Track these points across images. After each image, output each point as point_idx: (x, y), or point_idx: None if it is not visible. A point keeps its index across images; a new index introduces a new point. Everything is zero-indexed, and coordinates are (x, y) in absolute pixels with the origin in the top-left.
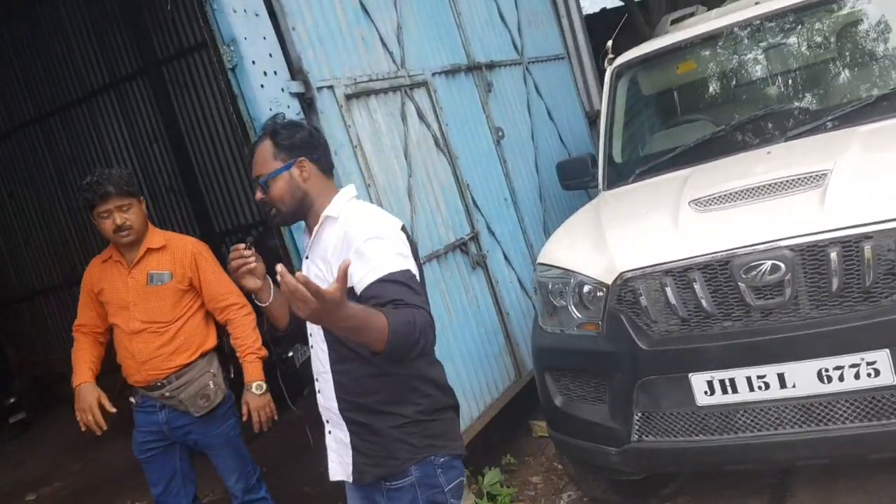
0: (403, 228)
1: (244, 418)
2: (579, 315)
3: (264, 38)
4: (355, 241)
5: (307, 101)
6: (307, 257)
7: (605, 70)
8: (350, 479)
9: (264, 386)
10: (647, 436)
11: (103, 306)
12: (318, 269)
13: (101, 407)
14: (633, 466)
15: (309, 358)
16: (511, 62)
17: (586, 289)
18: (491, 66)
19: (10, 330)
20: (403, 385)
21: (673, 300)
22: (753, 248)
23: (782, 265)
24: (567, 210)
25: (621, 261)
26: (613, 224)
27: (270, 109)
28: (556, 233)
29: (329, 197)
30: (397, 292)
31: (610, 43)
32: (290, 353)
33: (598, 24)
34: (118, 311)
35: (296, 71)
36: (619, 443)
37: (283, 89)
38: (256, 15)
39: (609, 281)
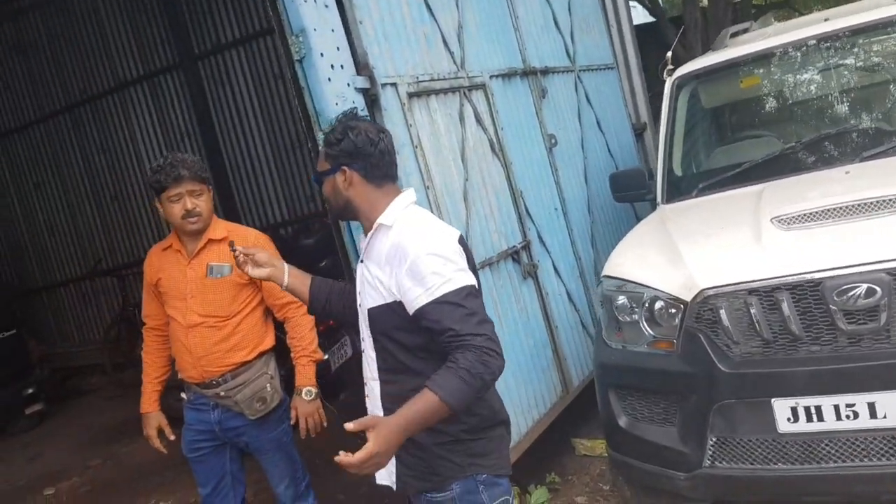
0: (461, 239)
1: (293, 422)
2: (650, 332)
3: (332, 30)
4: (409, 255)
5: (372, 98)
6: (362, 261)
7: (663, 81)
8: (394, 487)
9: (314, 391)
10: (720, 462)
11: (161, 296)
12: (371, 274)
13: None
14: (703, 493)
15: (348, 361)
16: (564, 69)
17: (659, 305)
18: (545, 71)
19: (29, 321)
20: None
21: (757, 321)
22: (848, 270)
23: (878, 289)
24: (614, 223)
25: (701, 277)
26: (688, 239)
27: (336, 104)
28: (620, 246)
29: (382, 204)
30: (451, 318)
31: (669, 54)
32: (326, 356)
33: None
34: (175, 303)
35: (361, 66)
36: (688, 468)
37: (348, 84)
38: (326, 6)
39: (687, 298)
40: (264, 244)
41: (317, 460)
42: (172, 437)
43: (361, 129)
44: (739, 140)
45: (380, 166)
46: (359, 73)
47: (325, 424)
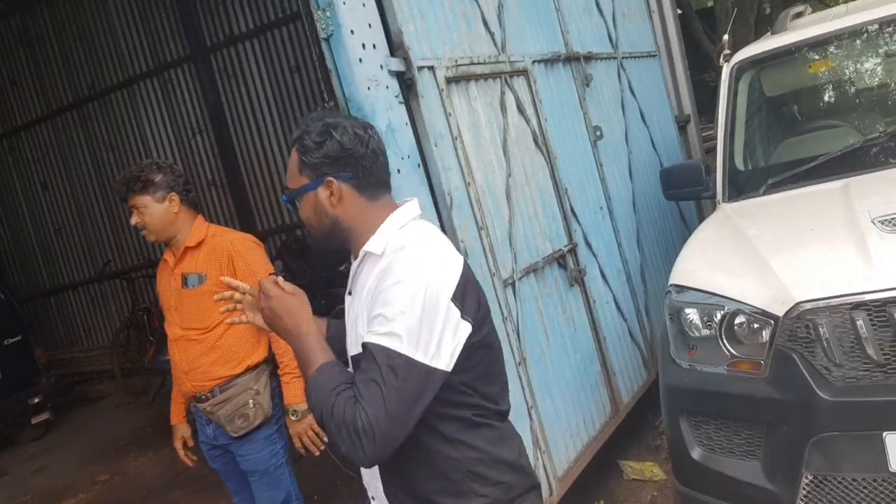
0: (464, 270)
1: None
2: (731, 351)
3: (363, 4)
4: (389, 278)
5: (407, 82)
6: (350, 293)
7: (719, 67)
8: None
9: (300, 410)
10: (817, 503)
11: None
12: (354, 313)
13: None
14: None
15: None
16: (606, 55)
17: (741, 320)
18: (588, 57)
19: (35, 325)
20: (461, 472)
21: (865, 340)
22: None
23: None
24: (659, 223)
25: (797, 289)
26: (773, 244)
27: (368, 89)
28: (687, 250)
29: (378, 223)
30: (376, 380)
31: (726, 37)
32: None
33: None
34: (166, 315)
35: (396, 46)
36: None
37: (382, 66)
38: None
39: (779, 312)
40: (241, 250)
41: (338, 482)
42: (191, 444)
43: (346, 126)
44: (809, 131)
45: (373, 171)
46: (393, 53)
47: (325, 440)
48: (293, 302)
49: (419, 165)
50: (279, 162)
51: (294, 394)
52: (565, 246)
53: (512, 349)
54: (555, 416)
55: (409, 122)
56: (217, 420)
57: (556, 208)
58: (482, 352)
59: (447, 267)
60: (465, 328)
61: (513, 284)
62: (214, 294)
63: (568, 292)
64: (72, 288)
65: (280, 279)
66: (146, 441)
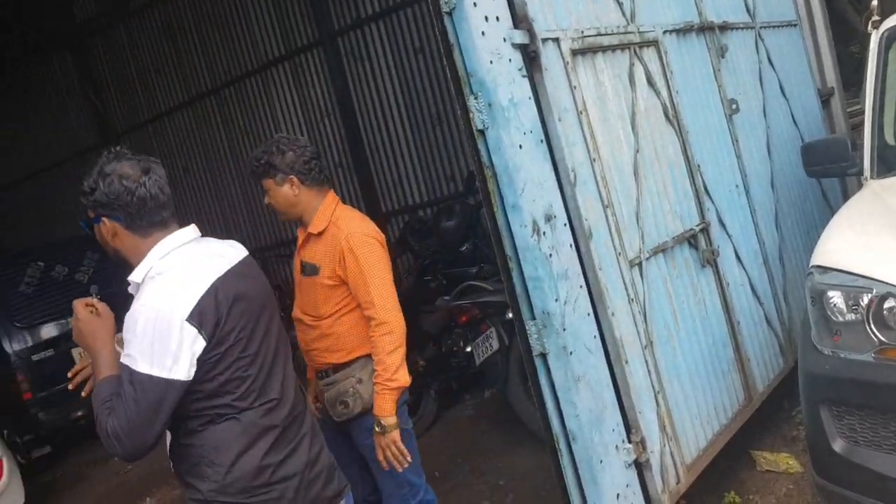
0: (210, 293)
1: None
2: (879, 337)
3: None
4: (134, 305)
5: (531, 55)
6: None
7: (866, 36)
8: None
9: (384, 423)
10: None
11: None
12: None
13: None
14: None
15: (493, 354)
16: (743, 25)
17: (890, 303)
18: (723, 27)
19: None
20: (199, 459)
21: None
22: None
23: None
24: (799, 202)
25: None
26: None
27: (491, 63)
28: (831, 229)
29: (146, 254)
30: (121, 394)
31: (875, 2)
32: (469, 349)
33: None
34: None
35: (519, 18)
36: None
37: (504, 39)
38: None
39: None
40: (356, 247)
41: (459, 459)
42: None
43: (115, 176)
44: None
45: (141, 215)
46: (516, 26)
47: (408, 460)
48: (97, 324)
49: (542, 141)
50: (403, 143)
51: (380, 405)
52: (697, 225)
53: (638, 331)
54: (683, 402)
55: (531, 96)
56: (324, 401)
57: (688, 185)
58: (229, 361)
59: (186, 291)
60: (201, 343)
61: (640, 265)
62: (326, 287)
63: (699, 274)
64: None
65: (94, 300)
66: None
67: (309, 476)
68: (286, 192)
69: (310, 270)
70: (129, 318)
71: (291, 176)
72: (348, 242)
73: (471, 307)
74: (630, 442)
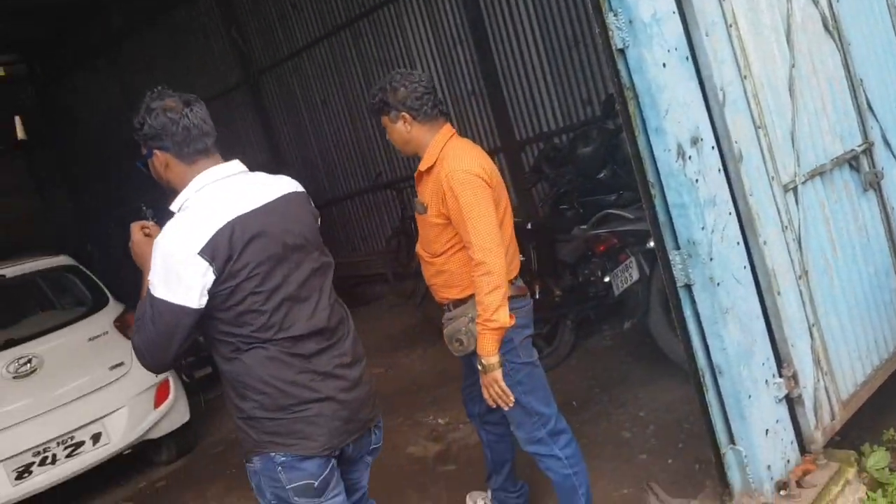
0: (225, 230)
1: None
2: None
3: None
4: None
5: None
6: None
7: None
8: None
9: (485, 363)
10: None
11: None
12: None
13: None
14: None
15: (634, 285)
16: None
17: None
18: None
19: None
20: (236, 382)
21: None
22: None
23: None
24: None
25: None
26: None
27: None
28: None
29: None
30: (144, 314)
31: None
32: (608, 279)
33: None
34: None
35: None
36: None
37: None
38: None
39: None
40: (455, 185)
41: (596, 389)
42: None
43: (160, 110)
44: None
45: (187, 142)
46: None
47: (511, 400)
48: (149, 247)
49: (687, 58)
50: (538, 70)
51: (482, 345)
52: (859, 146)
53: (792, 261)
54: (840, 335)
55: (676, 9)
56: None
57: (849, 102)
58: (242, 295)
59: (203, 226)
60: (211, 276)
61: (794, 189)
62: (435, 226)
63: (861, 198)
64: (349, 198)
65: (150, 223)
66: (416, 339)
67: (346, 398)
68: (400, 128)
69: (420, 209)
70: (154, 246)
71: (403, 112)
72: (448, 181)
73: (609, 236)
74: (781, 376)
